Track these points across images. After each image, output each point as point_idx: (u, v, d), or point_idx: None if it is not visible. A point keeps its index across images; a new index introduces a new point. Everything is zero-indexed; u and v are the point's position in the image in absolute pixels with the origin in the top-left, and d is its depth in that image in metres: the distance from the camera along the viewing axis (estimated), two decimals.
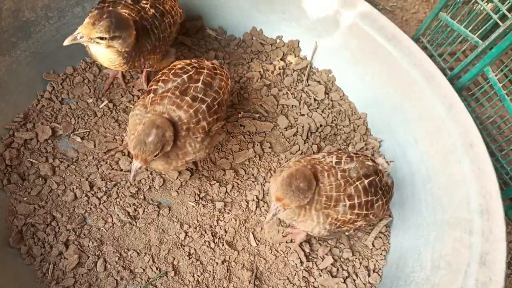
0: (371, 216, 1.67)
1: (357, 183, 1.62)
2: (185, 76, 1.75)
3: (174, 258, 1.89)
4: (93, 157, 2.06)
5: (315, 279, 1.92)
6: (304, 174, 1.51)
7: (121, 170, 2.05)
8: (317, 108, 2.37)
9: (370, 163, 1.71)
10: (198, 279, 1.86)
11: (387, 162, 1.78)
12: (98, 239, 1.89)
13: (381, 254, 2.03)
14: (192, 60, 1.88)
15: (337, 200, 1.59)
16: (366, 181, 1.63)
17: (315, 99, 2.39)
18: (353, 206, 1.60)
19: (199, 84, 1.74)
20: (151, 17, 1.86)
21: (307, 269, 1.94)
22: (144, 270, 1.85)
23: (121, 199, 1.98)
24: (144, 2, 1.87)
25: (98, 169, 2.03)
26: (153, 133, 1.55)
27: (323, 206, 1.59)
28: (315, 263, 1.96)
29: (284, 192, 1.46)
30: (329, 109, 2.37)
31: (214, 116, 1.75)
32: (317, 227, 1.64)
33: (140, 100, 1.79)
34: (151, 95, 1.72)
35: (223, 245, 1.94)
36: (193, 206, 2.01)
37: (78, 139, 2.09)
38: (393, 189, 1.81)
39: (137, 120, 1.71)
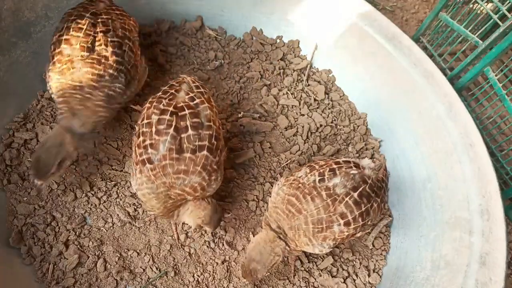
0: (369, 223, 1.65)
1: (346, 199, 1.56)
2: (171, 131, 1.54)
3: (174, 258, 1.89)
4: (93, 157, 2.06)
5: (315, 279, 1.92)
6: (261, 253, 1.62)
7: (121, 170, 2.05)
8: (317, 108, 2.37)
9: (354, 171, 1.62)
10: (198, 279, 1.86)
11: (373, 160, 1.71)
12: (98, 239, 1.89)
13: (381, 254, 2.03)
14: (164, 102, 1.63)
15: (330, 221, 1.55)
16: (355, 195, 1.57)
17: (315, 99, 2.39)
18: (348, 223, 1.56)
19: (190, 132, 1.56)
20: (113, 60, 1.77)
21: (307, 269, 1.94)
22: (144, 270, 1.85)
23: (121, 199, 1.98)
24: (97, 44, 1.76)
25: (98, 169, 2.03)
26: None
27: (315, 231, 1.57)
28: (315, 263, 1.96)
29: (246, 277, 1.66)
30: (329, 109, 2.37)
31: (218, 152, 1.64)
32: (316, 249, 1.63)
33: (138, 174, 1.60)
34: (149, 166, 1.55)
35: (223, 245, 1.94)
36: None
37: None
38: (388, 177, 1.75)
39: (154, 199, 1.60)
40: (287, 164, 2.17)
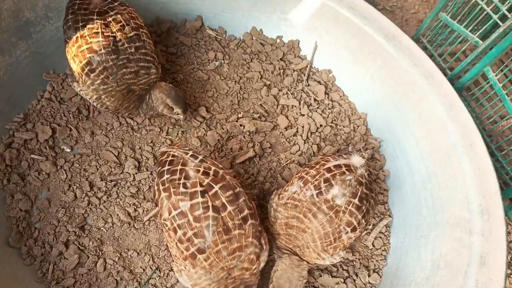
0: (370, 220, 1.66)
1: (349, 207, 1.54)
2: (210, 213, 1.42)
3: None
4: (93, 157, 2.06)
5: (315, 279, 1.92)
6: (290, 280, 1.60)
7: (121, 171, 2.05)
8: (317, 108, 2.37)
9: (349, 176, 1.58)
10: None
11: (362, 156, 1.67)
12: (98, 239, 1.89)
13: (381, 254, 2.03)
14: (187, 184, 1.47)
15: (337, 232, 1.55)
16: (356, 201, 1.55)
17: (315, 99, 2.39)
18: (354, 228, 1.56)
19: (229, 208, 1.45)
20: (141, 53, 1.85)
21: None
22: (144, 270, 1.85)
23: (121, 199, 1.98)
24: (120, 44, 1.79)
25: (98, 169, 2.03)
26: None
27: (324, 246, 1.56)
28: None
29: None
30: (329, 109, 2.37)
31: (256, 212, 1.56)
32: (327, 261, 1.62)
33: (192, 269, 1.46)
34: (201, 256, 1.42)
35: None
36: None
37: (78, 139, 2.09)
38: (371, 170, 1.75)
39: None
40: (287, 164, 2.17)
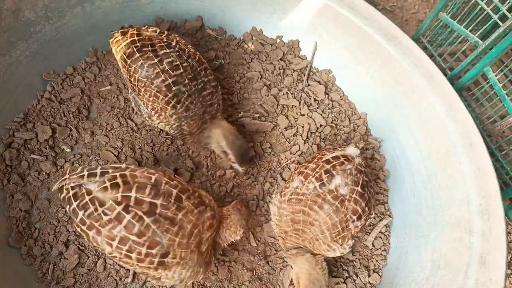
0: (372, 209, 1.68)
1: (354, 195, 1.55)
2: (147, 220, 1.37)
3: None
4: (93, 157, 2.06)
5: None
6: (317, 280, 1.59)
7: None
8: (317, 108, 2.37)
9: (349, 165, 1.61)
10: None
11: (356, 145, 1.70)
12: None
13: (381, 254, 2.03)
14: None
15: (345, 222, 1.55)
16: (359, 188, 1.57)
17: (315, 99, 2.39)
18: (360, 216, 1.57)
19: (159, 202, 1.40)
20: (211, 74, 1.95)
21: None
22: None
23: None
24: (187, 58, 1.85)
25: None
26: None
27: (332, 236, 1.56)
28: None
29: None
30: (329, 109, 2.37)
31: (186, 187, 1.56)
32: (337, 252, 1.62)
33: (165, 272, 1.45)
34: (168, 259, 1.41)
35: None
36: None
37: (78, 139, 2.09)
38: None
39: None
40: (287, 164, 2.17)
